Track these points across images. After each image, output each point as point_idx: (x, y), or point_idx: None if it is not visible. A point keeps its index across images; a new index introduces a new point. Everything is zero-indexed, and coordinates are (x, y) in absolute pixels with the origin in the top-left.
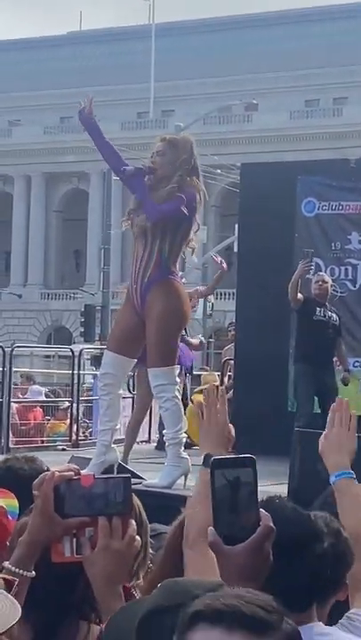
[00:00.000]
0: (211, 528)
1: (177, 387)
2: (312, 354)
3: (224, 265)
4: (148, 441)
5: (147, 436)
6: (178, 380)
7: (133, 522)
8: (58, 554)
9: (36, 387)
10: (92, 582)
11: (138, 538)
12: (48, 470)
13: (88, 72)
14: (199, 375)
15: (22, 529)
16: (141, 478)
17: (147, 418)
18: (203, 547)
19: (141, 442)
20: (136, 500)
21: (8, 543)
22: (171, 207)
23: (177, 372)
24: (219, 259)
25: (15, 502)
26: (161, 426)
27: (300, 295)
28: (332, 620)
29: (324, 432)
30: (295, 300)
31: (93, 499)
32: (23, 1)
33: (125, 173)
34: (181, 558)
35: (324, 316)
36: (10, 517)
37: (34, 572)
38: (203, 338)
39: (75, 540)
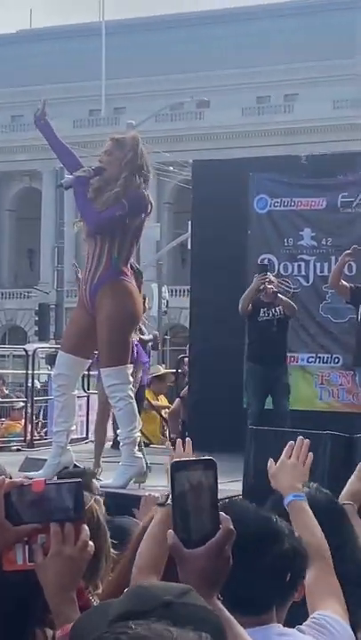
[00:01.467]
0: (170, 531)
1: (130, 386)
2: (260, 353)
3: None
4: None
5: None
6: (131, 379)
7: (86, 527)
8: (10, 562)
9: None
10: (45, 588)
11: (91, 543)
12: (10, 477)
13: (39, 70)
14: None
15: None
16: (98, 479)
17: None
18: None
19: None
20: (93, 505)
21: None
22: (108, 215)
23: (130, 371)
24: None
25: None
26: (116, 425)
27: (250, 306)
28: (289, 622)
29: (280, 459)
30: (246, 311)
31: (45, 505)
32: None
33: (64, 187)
34: None
35: (268, 315)
36: None
37: None
38: (157, 332)
39: (27, 547)
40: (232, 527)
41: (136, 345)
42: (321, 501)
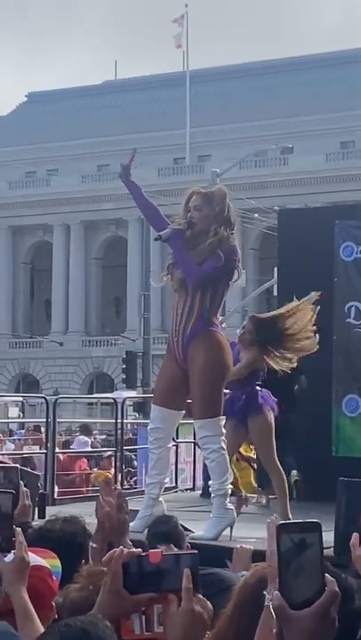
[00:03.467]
0: (276, 592)
1: (223, 437)
2: None
3: None
4: (193, 489)
5: (191, 483)
6: (224, 430)
7: (201, 597)
8: (127, 631)
9: (81, 437)
10: None
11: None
12: (85, 529)
13: (124, 120)
14: None
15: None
16: (189, 530)
17: (190, 465)
18: None
19: (186, 489)
20: None
21: (54, 603)
22: (209, 269)
23: (222, 422)
24: None
25: (57, 562)
26: (206, 473)
27: None
28: None
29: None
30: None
31: (162, 575)
32: (58, 51)
33: (163, 239)
34: (257, 612)
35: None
36: (54, 577)
37: None
38: None
39: (144, 616)
40: (337, 589)
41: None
42: None
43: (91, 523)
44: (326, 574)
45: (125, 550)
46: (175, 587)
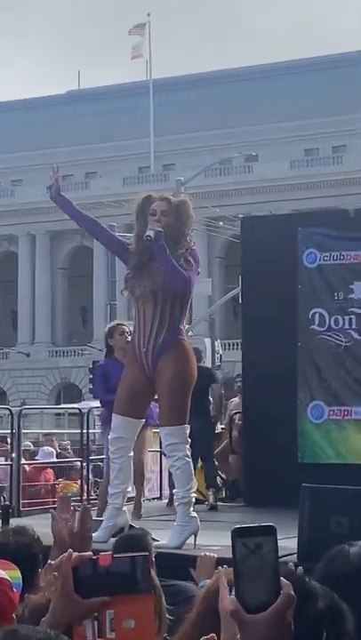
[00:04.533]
0: (232, 597)
1: (188, 446)
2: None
3: None
4: (160, 498)
5: (158, 492)
6: (188, 439)
7: (155, 599)
8: (80, 636)
9: (46, 447)
10: None
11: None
12: (39, 539)
13: (88, 130)
14: None
15: (34, 607)
16: (153, 539)
17: (157, 475)
18: None
19: (153, 499)
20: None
21: (15, 616)
22: (192, 277)
23: (188, 431)
24: None
25: (18, 573)
26: (172, 482)
27: None
28: None
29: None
30: None
31: (113, 578)
32: (20, 62)
33: (151, 240)
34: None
35: None
36: (15, 589)
37: None
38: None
39: (96, 622)
40: (293, 593)
41: None
42: None
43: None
44: (282, 578)
45: (75, 554)
46: (127, 590)
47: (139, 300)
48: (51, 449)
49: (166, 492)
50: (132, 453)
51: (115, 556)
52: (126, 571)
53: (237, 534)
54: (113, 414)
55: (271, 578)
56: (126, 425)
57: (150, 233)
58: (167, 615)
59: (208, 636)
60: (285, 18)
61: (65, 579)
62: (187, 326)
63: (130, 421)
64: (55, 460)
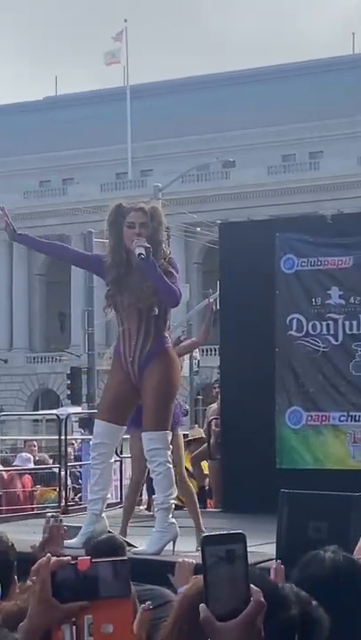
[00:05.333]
0: (202, 605)
1: (169, 452)
2: None
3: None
4: (139, 504)
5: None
6: (170, 445)
7: (135, 603)
8: None
9: (24, 453)
10: None
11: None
12: (13, 547)
13: (65, 135)
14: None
15: (6, 615)
16: (132, 546)
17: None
18: None
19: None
20: None
21: None
22: (179, 290)
23: (170, 437)
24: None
25: None
26: (151, 488)
27: None
28: None
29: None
30: None
31: (92, 583)
32: None
33: (144, 258)
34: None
35: None
36: None
37: None
38: (187, 407)
39: (74, 627)
40: (263, 599)
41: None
42: (344, 565)
43: (36, 540)
44: (252, 585)
45: (53, 558)
46: (105, 594)
47: (122, 315)
48: (29, 455)
49: (145, 497)
50: (112, 460)
51: (93, 560)
52: (105, 575)
53: (207, 542)
54: (95, 420)
55: (241, 585)
56: (109, 431)
57: (142, 251)
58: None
59: None
60: (262, 24)
61: (43, 583)
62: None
63: (112, 427)
64: (33, 466)
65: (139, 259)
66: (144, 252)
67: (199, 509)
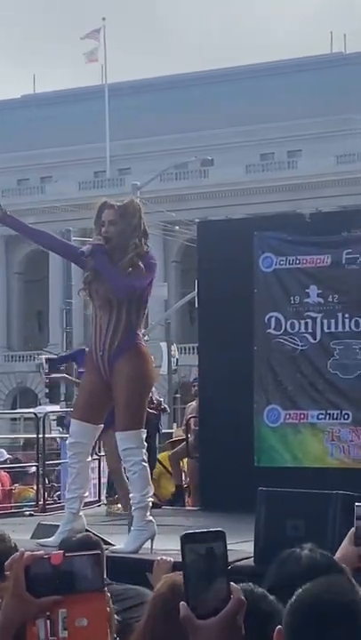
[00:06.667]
0: (183, 603)
1: (144, 450)
2: None
3: None
4: (116, 502)
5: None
6: (145, 443)
7: (108, 597)
8: (33, 636)
9: None
10: None
11: (116, 616)
12: (16, 547)
13: (44, 134)
14: (168, 433)
15: None
16: (110, 544)
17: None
18: None
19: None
20: None
21: None
22: (138, 283)
23: (144, 435)
24: None
25: None
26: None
27: None
28: None
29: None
30: None
31: (66, 577)
32: None
33: (86, 255)
34: (170, 621)
35: None
36: None
37: None
38: (161, 399)
39: (49, 621)
40: (243, 597)
41: None
42: (320, 563)
43: (14, 539)
44: (232, 583)
45: (27, 553)
46: (79, 588)
47: (95, 305)
48: (3, 451)
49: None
50: (89, 458)
51: (66, 554)
52: (78, 569)
53: (187, 540)
54: (71, 419)
55: (221, 583)
56: (84, 430)
57: (84, 248)
58: (115, 616)
59: None
60: (238, 22)
61: (16, 578)
62: (142, 330)
63: (88, 427)
64: (10, 464)
65: (80, 255)
66: (85, 250)
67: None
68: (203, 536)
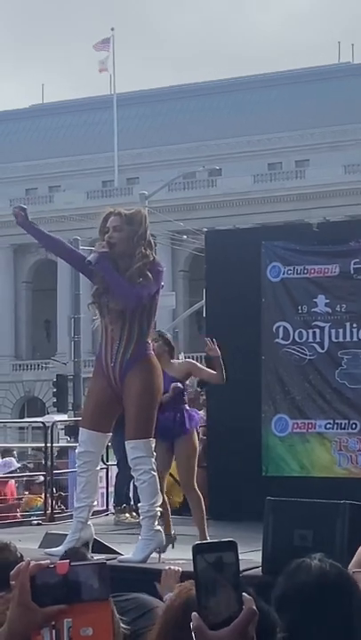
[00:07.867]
0: (194, 613)
1: (153, 459)
2: None
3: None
4: (124, 511)
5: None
6: (154, 453)
7: (113, 606)
8: None
9: (7, 459)
10: None
11: (124, 626)
12: (21, 556)
13: (52, 144)
14: None
15: None
16: (118, 553)
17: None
18: None
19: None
20: None
21: None
22: (147, 291)
23: (153, 444)
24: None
25: None
26: (136, 496)
27: None
28: None
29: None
30: None
31: (71, 586)
32: None
33: (92, 263)
34: (183, 633)
35: None
36: None
37: None
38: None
39: (54, 630)
40: (255, 607)
41: None
42: (330, 573)
43: (22, 548)
44: (244, 593)
45: (32, 563)
46: (85, 598)
47: (106, 317)
48: (12, 461)
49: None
50: (98, 467)
51: (72, 563)
52: (84, 579)
53: (198, 550)
54: (80, 428)
55: (233, 593)
56: (93, 439)
57: (90, 257)
58: (122, 625)
59: None
60: (245, 34)
61: (22, 587)
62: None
63: (97, 435)
64: (19, 472)
65: (86, 264)
66: (91, 259)
67: (205, 518)
68: (214, 546)
